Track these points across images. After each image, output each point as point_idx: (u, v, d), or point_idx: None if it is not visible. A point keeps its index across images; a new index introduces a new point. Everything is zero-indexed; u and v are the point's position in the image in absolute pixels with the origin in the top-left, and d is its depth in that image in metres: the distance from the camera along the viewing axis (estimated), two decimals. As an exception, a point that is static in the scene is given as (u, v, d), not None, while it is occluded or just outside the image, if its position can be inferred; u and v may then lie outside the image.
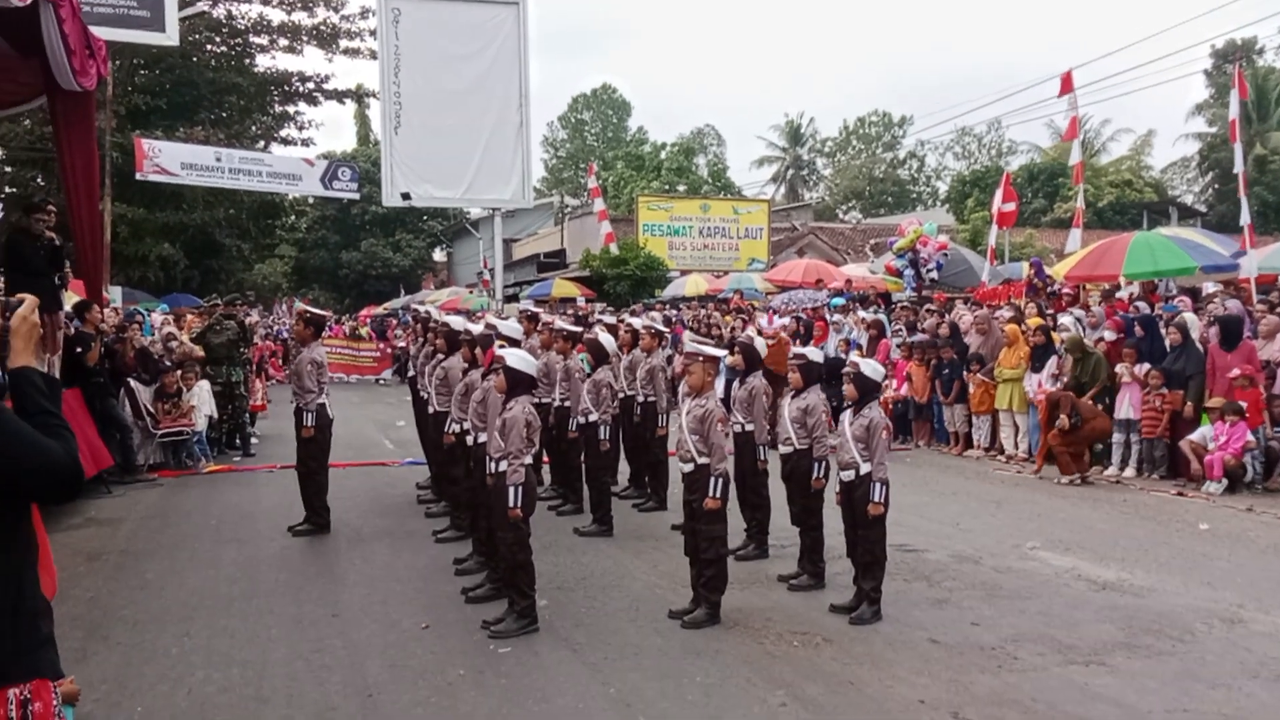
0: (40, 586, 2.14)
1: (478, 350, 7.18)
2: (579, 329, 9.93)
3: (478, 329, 7.78)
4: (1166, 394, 10.39)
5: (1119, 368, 10.83)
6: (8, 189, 24.20)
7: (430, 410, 8.55)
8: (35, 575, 2.11)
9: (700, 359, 6.02)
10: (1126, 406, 10.70)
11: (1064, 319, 12.71)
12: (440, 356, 8.21)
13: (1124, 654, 5.37)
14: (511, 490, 5.61)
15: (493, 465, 5.82)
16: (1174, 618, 5.96)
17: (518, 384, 5.82)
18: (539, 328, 9.69)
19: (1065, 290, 14.88)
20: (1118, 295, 13.61)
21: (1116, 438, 10.86)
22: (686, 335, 9.54)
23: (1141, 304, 12.73)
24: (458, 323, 8.30)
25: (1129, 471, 10.68)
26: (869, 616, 5.87)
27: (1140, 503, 9.55)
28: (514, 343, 7.04)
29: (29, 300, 2.19)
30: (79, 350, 9.89)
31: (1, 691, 1.98)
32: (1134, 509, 9.27)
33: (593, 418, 8.58)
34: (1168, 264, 13.78)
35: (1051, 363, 11.59)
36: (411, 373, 10.40)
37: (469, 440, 6.96)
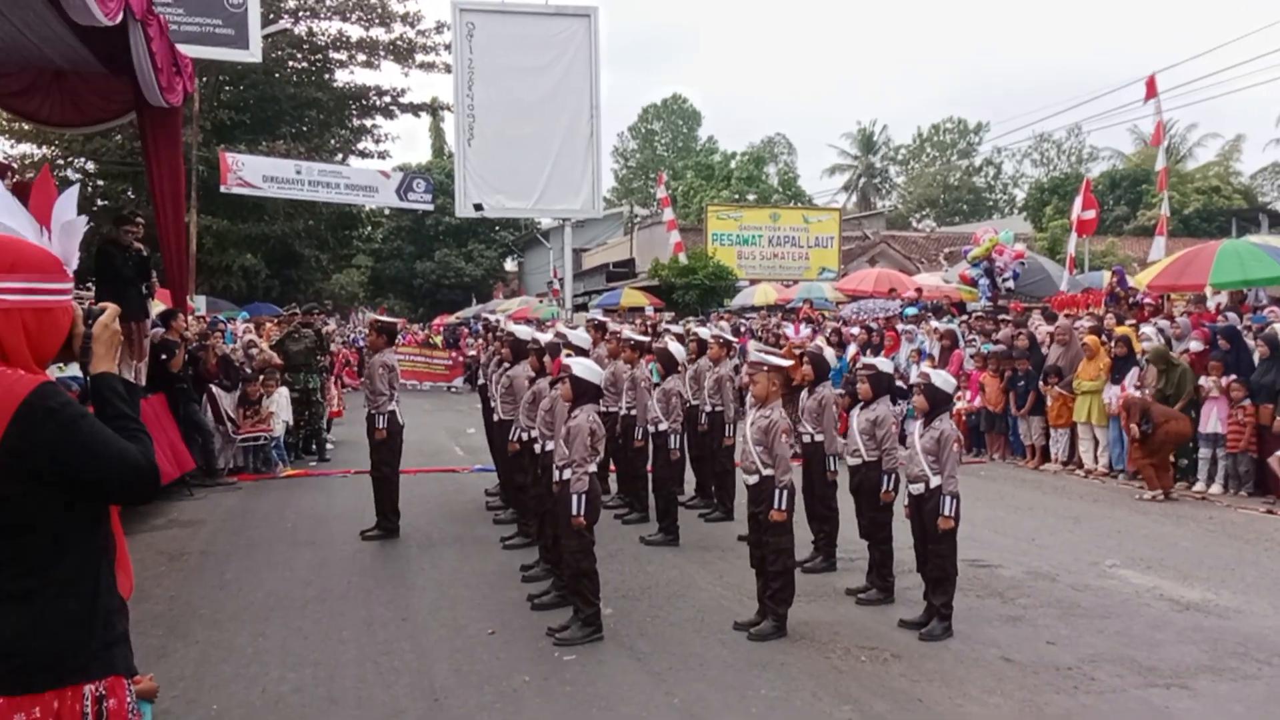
0: (117, 585, 2.20)
1: (545, 358, 7.24)
2: (647, 338, 9.94)
3: (546, 337, 7.84)
4: (1248, 406, 10.00)
5: (1204, 380, 10.46)
6: (100, 202, 25.18)
7: (495, 418, 8.64)
8: (113, 574, 2.16)
9: (765, 369, 5.98)
10: (1213, 420, 10.33)
11: (1146, 329, 12.33)
12: (506, 365, 8.30)
13: (1208, 677, 5.17)
14: (575, 499, 5.64)
15: (559, 473, 5.86)
16: (1261, 640, 5.73)
17: (583, 393, 5.85)
18: (606, 337, 9.73)
19: (1147, 300, 14.43)
20: (1206, 305, 13.16)
21: (1203, 453, 10.49)
22: (751, 345, 9.48)
23: (1230, 314, 12.29)
24: (524, 331, 8.37)
25: (1215, 488, 10.30)
26: (939, 633, 5.76)
27: (1227, 520, 9.20)
28: (582, 352, 7.08)
29: (110, 308, 2.26)
30: (164, 357, 10.23)
31: (78, 688, 2.02)
32: (1220, 527, 8.94)
33: (662, 427, 8.58)
34: (1257, 273, 13.29)
35: (1133, 374, 11.25)
36: (481, 380, 10.53)
37: (536, 448, 7.01)
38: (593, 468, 5.76)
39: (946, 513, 5.74)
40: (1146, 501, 9.98)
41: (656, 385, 8.90)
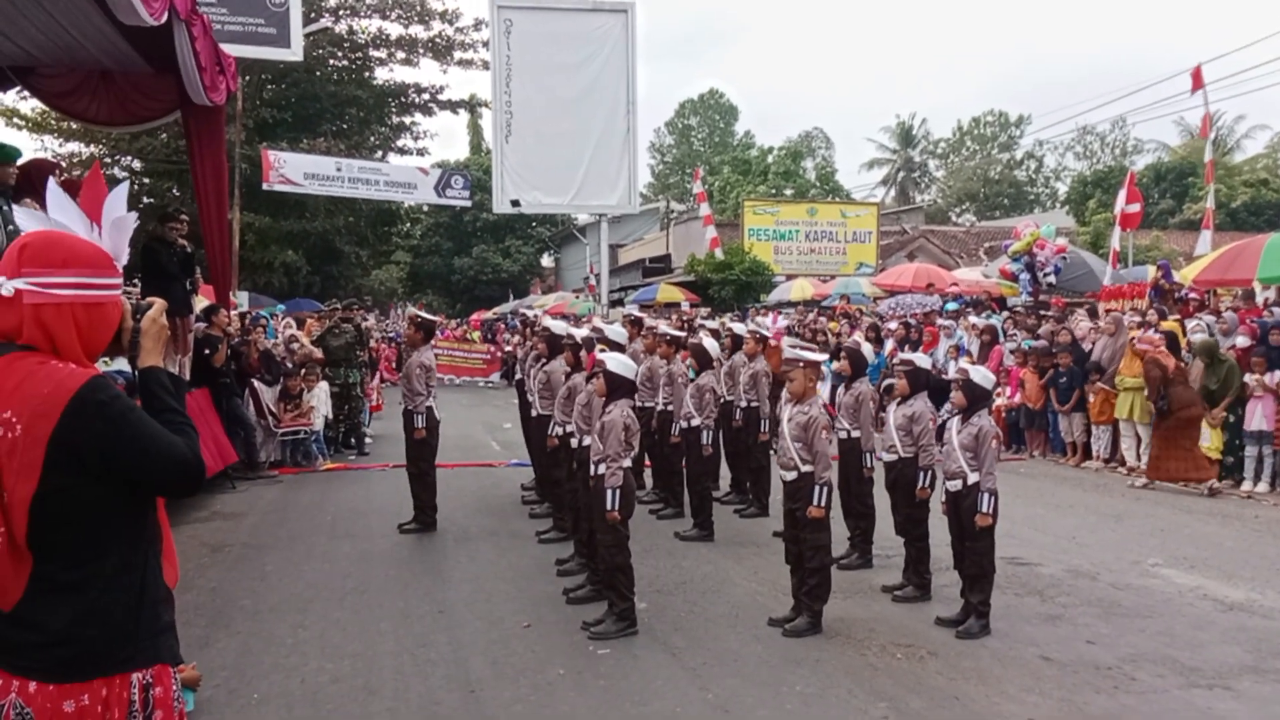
0: (163, 576, 2.24)
1: (581, 353, 7.26)
2: (683, 333, 9.94)
3: (581, 333, 7.87)
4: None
5: (1248, 377, 10.26)
6: (146, 199, 25.60)
7: (534, 413, 8.69)
8: (159, 565, 2.21)
9: (801, 365, 5.95)
10: (1258, 417, 10.13)
11: (1190, 324, 12.10)
12: (543, 360, 8.34)
13: (1252, 678, 5.08)
14: (610, 493, 5.66)
15: (594, 468, 5.88)
16: (1308, 642, 5.62)
17: (617, 388, 5.86)
18: (643, 332, 9.74)
19: (1192, 295, 14.16)
20: (1255, 300, 12.89)
21: (1249, 451, 10.29)
22: (785, 341, 9.42)
23: (1277, 309, 12.02)
24: (559, 327, 8.41)
25: (1261, 486, 10.10)
26: (976, 630, 5.71)
27: (1272, 519, 9.02)
28: (618, 347, 7.09)
29: (158, 303, 2.31)
30: (207, 352, 10.40)
31: (125, 675, 2.06)
32: (1266, 526, 8.77)
33: (695, 422, 8.58)
34: (1305, 268, 12.98)
35: (1177, 371, 11.04)
36: (519, 376, 10.59)
37: (572, 443, 7.04)
38: (627, 462, 5.78)
39: (984, 509, 5.69)
40: (1194, 499, 9.81)
41: (691, 381, 8.90)
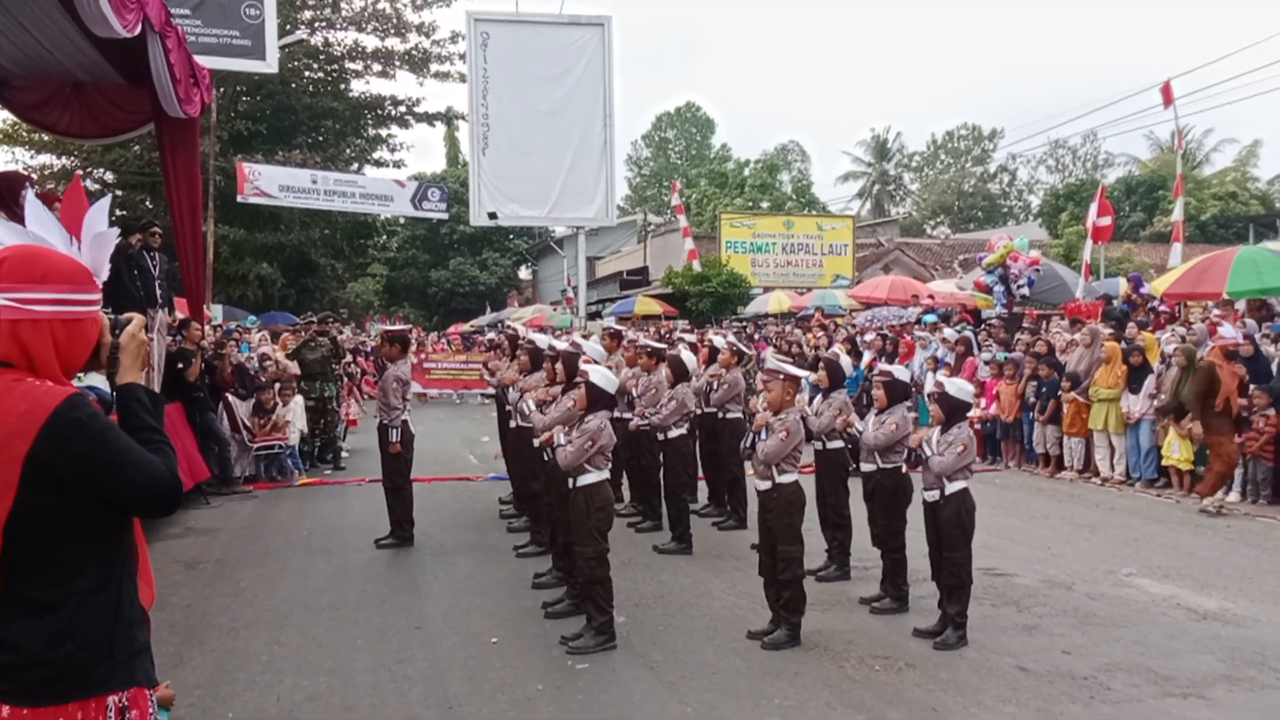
0: (139, 596, 2.21)
1: (558, 366, 7.26)
2: (663, 346, 9.96)
3: (561, 345, 7.87)
4: (1271, 415, 9.92)
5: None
6: (119, 211, 25.38)
7: (513, 424, 8.66)
8: (134, 585, 2.18)
9: (780, 377, 5.97)
10: (1230, 428, 10.25)
11: (1161, 336, 12.26)
12: (524, 373, 8.33)
13: (1225, 686, 5.13)
14: (558, 451, 5.80)
15: (571, 480, 5.87)
16: (1279, 649, 5.68)
17: (598, 400, 5.87)
18: (624, 344, 9.76)
19: (1163, 307, 14.34)
20: (1234, 307, 13.03)
21: (1219, 460, 10.40)
22: (769, 352, 9.46)
23: (1250, 321, 12.20)
24: (542, 341, 8.40)
25: (1233, 496, 10.22)
26: (954, 641, 5.73)
27: (1245, 529, 9.13)
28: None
29: (137, 319, 2.28)
30: (180, 366, 10.30)
31: (101, 698, 2.03)
32: (1238, 535, 8.87)
33: (672, 434, 8.59)
34: (1275, 281, 13.17)
35: (1149, 382, 11.19)
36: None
37: (547, 455, 7.03)
38: (598, 476, 5.79)
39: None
40: (1168, 510, 9.89)
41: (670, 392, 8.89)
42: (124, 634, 2.08)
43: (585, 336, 11.72)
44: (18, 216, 2.23)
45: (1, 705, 1.96)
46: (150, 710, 2.13)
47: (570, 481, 5.86)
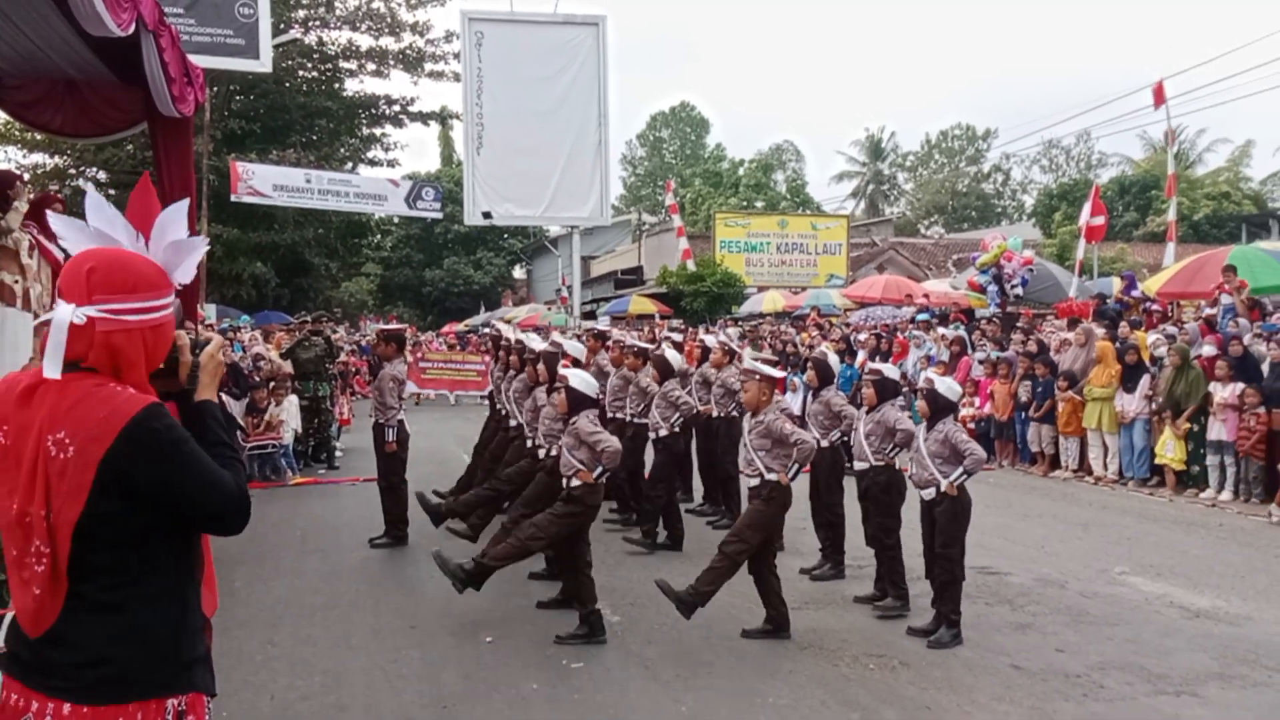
0: (202, 604, 2.23)
1: (540, 366, 7.31)
2: (650, 345, 9.97)
3: (541, 345, 7.89)
4: (1261, 414, 9.96)
5: (1212, 386, 10.42)
6: (112, 211, 25.29)
7: (512, 422, 8.65)
8: (198, 592, 2.20)
9: (757, 377, 5.99)
10: (1218, 427, 10.30)
11: (1153, 336, 12.30)
12: (514, 372, 8.35)
13: (1217, 684, 5.15)
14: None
15: (565, 482, 5.89)
16: (1271, 647, 5.71)
17: (578, 403, 5.87)
18: (609, 345, 9.76)
19: (1156, 307, 14.38)
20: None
21: (1210, 460, 10.45)
22: (746, 353, 9.43)
23: (1242, 321, 12.22)
24: (533, 342, 8.37)
25: (1225, 495, 10.26)
26: (948, 640, 5.74)
27: (1237, 527, 9.16)
28: (577, 364, 7.08)
29: (216, 340, 2.34)
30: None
31: (160, 701, 2.03)
32: (1230, 534, 8.90)
33: (662, 432, 8.58)
34: (1267, 280, 13.23)
35: (1144, 381, 11.22)
36: (489, 389, 10.57)
37: (541, 454, 7.05)
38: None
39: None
40: (1159, 509, 9.93)
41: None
42: (186, 639, 2.10)
43: (577, 336, 11.71)
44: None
45: (62, 703, 1.96)
46: (207, 717, 2.15)
47: (565, 482, 5.89)
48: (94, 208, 2.15)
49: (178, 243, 2.18)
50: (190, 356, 2.24)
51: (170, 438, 2.02)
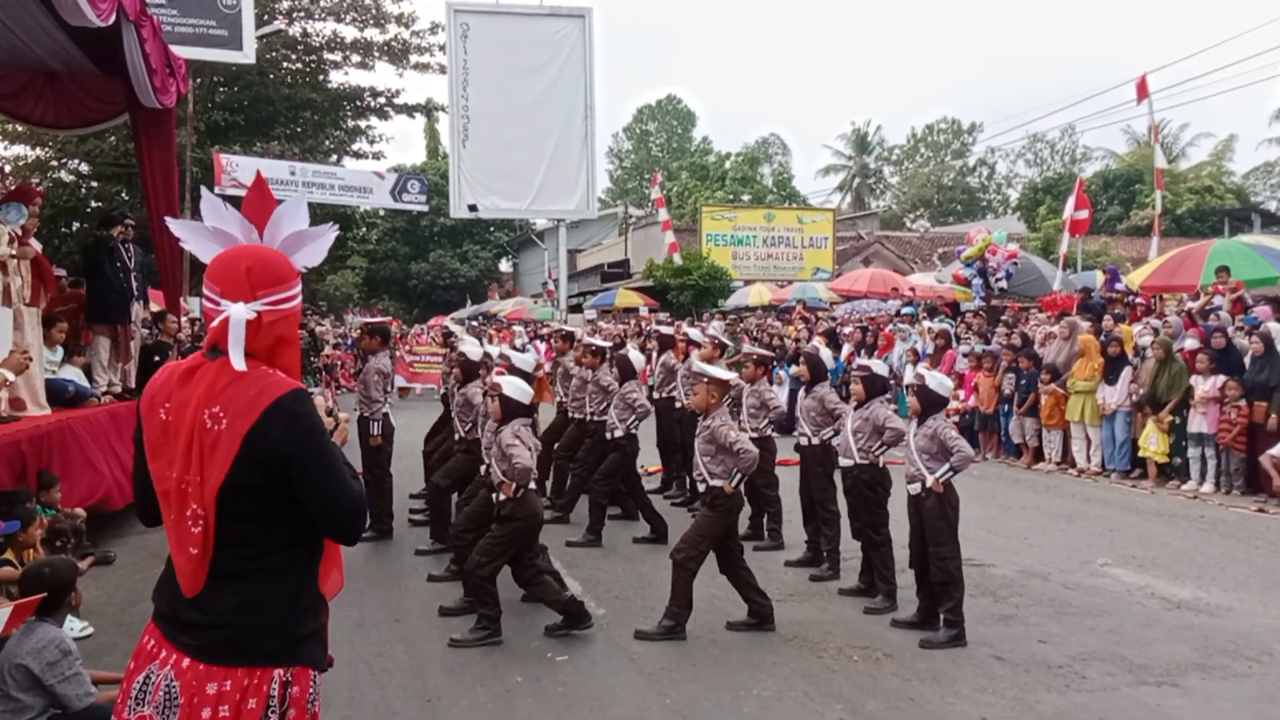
0: (319, 584, 2.35)
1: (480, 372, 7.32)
2: (608, 344, 9.96)
3: (493, 350, 7.87)
4: (1242, 406, 10.04)
5: (1193, 379, 10.50)
6: (94, 203, 25.11)
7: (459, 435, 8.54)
8: (316, 572, 2.32)
9: (705, 380, 6.00)
10: (1198, 419, 10.38)
11: (1136, 328, 12.37)
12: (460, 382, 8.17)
13: (1198, 675, 5.19)
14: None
15: (494, 494, 5.87)
16: (1251, 638, 5.76)
17: (512, 412, 5.84)
18: (575, 345, 9.76)
19: (1139, 300, 14.46)
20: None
21: (1192, 452, 10.53)
22: (695, 354, 9.36)
23: (1224, 314, 12.32)
24: (474, 351, 8.18)
25: (1206, 486, 10.34)
26: (946, 641, 5.64)
27: (1218, 519, 9.24)
28: (524, 375, 6.89)
29: (342, 426, 2.67)
30: (157, 359, 10.19)
31: (267, 670, 2.13)
32: (1211, 525, 8.97)
33: (618, 433, 8.54)
34: (1249, 273, 13.33)
35: (1126, 374, 11.29)
36: (443, 390, 10.59)
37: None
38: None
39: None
40: (1141, 501, 10.00)
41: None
42: (300, 614, 2.22)
43: (515, 347, 11.68)
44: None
45: (183, 657, 2.12)
46: (311, 689, 2.23)
47: (494, 495, 5.87)
48: (209, 208, 2.31)
49: (301, 232, 2.32)
50: (330, 418, 2.47)
51: (309, 423, 2.16)
